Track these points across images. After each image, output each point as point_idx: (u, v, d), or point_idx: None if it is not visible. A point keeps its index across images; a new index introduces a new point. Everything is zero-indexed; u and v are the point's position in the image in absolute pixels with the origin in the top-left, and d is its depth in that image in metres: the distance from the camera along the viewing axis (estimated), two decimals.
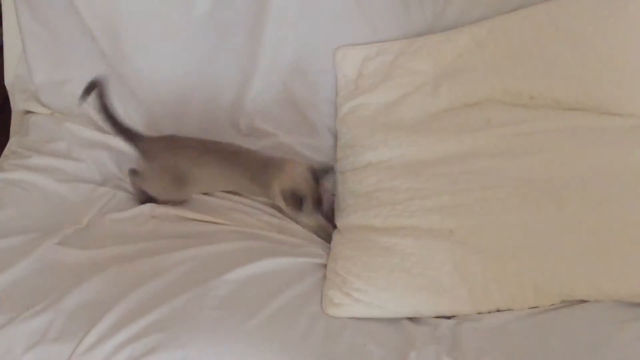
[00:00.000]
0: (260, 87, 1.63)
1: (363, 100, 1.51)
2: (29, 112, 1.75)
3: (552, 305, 1.18)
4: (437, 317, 1.21)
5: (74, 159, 1.62)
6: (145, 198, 1.53)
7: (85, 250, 1.37)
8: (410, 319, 1.21)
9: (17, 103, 1.76)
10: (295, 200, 1.34)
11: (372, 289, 1.21)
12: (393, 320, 1.21)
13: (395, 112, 1.47)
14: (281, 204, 1.39)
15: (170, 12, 1.56)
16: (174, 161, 1.47)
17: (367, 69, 1.53)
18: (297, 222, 1.45)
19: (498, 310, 1.19)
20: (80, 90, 1.69)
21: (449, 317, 1.21)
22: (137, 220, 1.48)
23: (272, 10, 1.53)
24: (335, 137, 1.56)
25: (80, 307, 1.23)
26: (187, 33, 1.59)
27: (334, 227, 1.41)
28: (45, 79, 1.73)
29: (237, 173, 1.46)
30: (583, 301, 1.17)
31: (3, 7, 1.73)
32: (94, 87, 1.49)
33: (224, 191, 1.54)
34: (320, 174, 1.39)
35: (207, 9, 1.56)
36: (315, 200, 1.37)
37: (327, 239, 1.40)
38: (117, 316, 1.19)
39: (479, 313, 1.20)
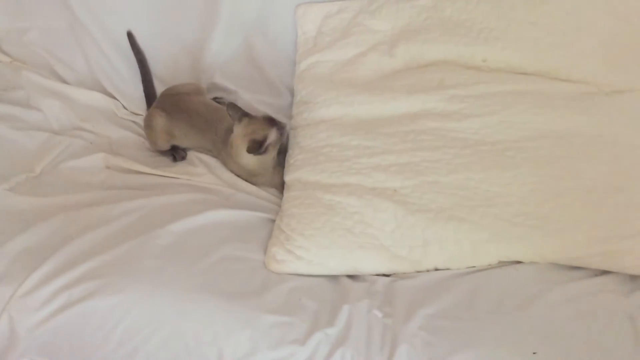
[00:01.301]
0: (220, 43, 1.62)
1: (320, 58, 1.49)
2: None
3: (488, 265, 1.19)
4: (376, 275, 1.22)
5: (31, 108, 1.61)
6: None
7: (35, 197, 1.38)
8: (350, 276, 1.23)
9: None
10: (255, 144, 1.34)
11: (314, 247, 1.22)
12: (332, 277, 1.22)
13: (350, 70, 1.45)
14: (242, 154, 1.39)
15: None
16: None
17: (326, 27, 1.52)
18: (261, 183, 1.45)
19: (436, 269, 1.21)
20: (40, 39, 1.69)
21: (388, 275, 1.23)
22: (91, 170, 1.48)
23: None
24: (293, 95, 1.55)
25: (24, 251, 1.24)
26: None
27: None
28: (6, 26, 1.72)
29: (205, 132, 1.49)
30: (519, 262, 1.18)
31: None
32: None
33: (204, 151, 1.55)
34: (280, 125, 1.39)
35: None
36: (275, 145, 1.39)
37: None
38: (58, 262, 1.20)
39: (418, 272, 1.21)
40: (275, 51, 1.59)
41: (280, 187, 1.42)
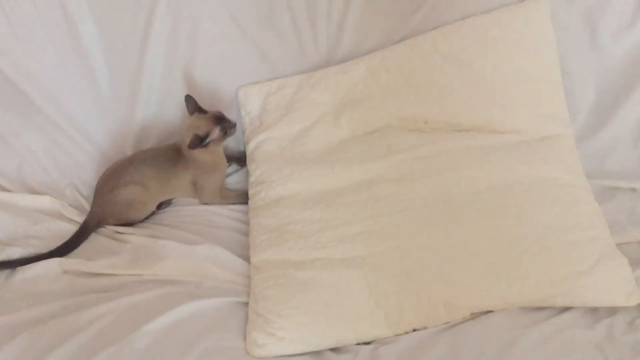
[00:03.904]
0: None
1: (268, 135, 1.54)
2: None
3: (462, 318, 1.25)
4: (358, 344, 1.25)
5: None
6: None
7: None
8: (333, 349, 1.25)
9: None
10: (196, 139, 1.45)
11: (294, 326, 1.24)
12: (316, 353, 1.24)
13: (300, 144, 1.51)
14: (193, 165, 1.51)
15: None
16: None
17: (269, 105, 1.57)
18: (211, 200, 1.56)
19: (414, 330, 1.25)
20: None
21: (369, 343, 1.26)
22: (48, 277, 1.43)
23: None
24: None
25: None
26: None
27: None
28: None
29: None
30: (490, 312, 1.25)
31: None
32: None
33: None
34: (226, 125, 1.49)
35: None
36: (217, 142, 1.49)
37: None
38: None
39: (397, 335, 1.25)
40: None
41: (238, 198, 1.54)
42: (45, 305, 1.34)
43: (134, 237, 1.52)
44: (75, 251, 1.51)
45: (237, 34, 1.55)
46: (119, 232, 1.56)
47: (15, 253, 1.50)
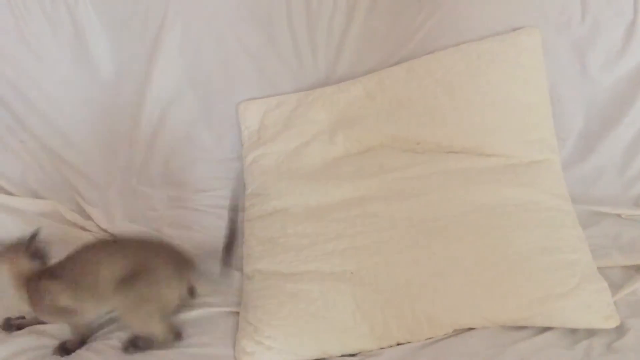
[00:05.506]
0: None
1: (265, 150, 1.59)
2: None
3: (445, 334, 1.28)
4: (343, 355, 1.29)
5: None
6: None
7: None
8: (319, 359, 1.29)
9: None
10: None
11: (282, 336, 1.28)
12: None
13: (296, 160, 1.55)
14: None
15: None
16: None
17: (268, 120, 1.61)
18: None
19: (398, 344, 1.29)
20: None
21: (354, 355, 1.30)
22: None
23: None
24: None
25: None
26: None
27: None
28: None
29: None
30: (472, 329, 1.28)
31: None
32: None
33: None
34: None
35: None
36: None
37: None
38: None
39: (382, 348, 1.29)
40: (221, 147, 1.67)
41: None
42: None
43: None
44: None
45: (239, 52, 1.60)
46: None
47: None
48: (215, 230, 1.49)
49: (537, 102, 1.49)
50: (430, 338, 1.28)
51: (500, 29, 1.51)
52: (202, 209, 1.63)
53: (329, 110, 1.58)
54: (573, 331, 1.26)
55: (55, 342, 1.32)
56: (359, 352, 1.30)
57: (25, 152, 1.70)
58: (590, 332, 1.25)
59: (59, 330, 1.35)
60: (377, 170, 1.47)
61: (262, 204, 1.51)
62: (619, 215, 1.53)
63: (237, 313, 1.38)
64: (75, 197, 1.70)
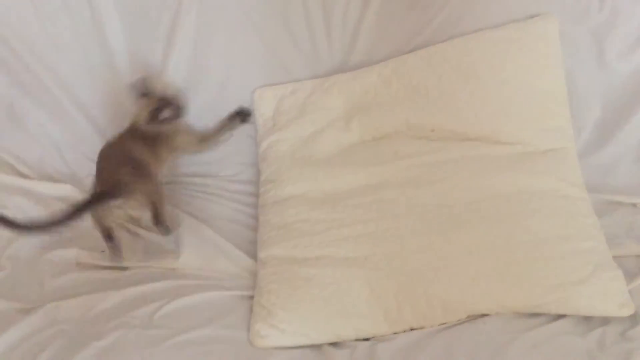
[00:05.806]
0: None
1: (280, 136, 1.59)
2: None
3: (458, 320, 1.29)
4: (356, 339, 1.30)
5: None
6: None
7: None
8: (332, 343, 1.30)
9: None
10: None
11: (296, 320, 1.29)
12: (316, 346, 1.29)
13: (310, 146, 1.56)
14: None
15: None
16: None
17: (283, 107, 1.62)
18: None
19: (412, 329, 1.30)
20: None
21: (368, 339, 1.30)
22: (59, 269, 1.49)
23: None
24: None
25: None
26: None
27: None
28: None
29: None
30: (485, 315, 1.29)
31: None
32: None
33: None
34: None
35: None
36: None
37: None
38: None
39: (395, 333, 1.29)
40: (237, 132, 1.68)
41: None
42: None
43: (144, 231, 1.58)
44: (91, 244, 1.55)
45: (255, 39, 1.61)
46: (131, 225, 1.61)
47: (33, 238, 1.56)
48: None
49: (554, 90, 1.48)
50: (443, 324, 1.29)
51: (517, 16, 1.50)
52: (219, 192, 1.65)
53: (344, 97, 1.58)
54: (587, 319, 1.26)
55: (68, 327, 1.33)
56: (372, 337, 1.30)
57: (44, 136, 1.71)
58: (604, 320, 1.25)
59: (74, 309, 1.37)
60: (392, 157, 1.47)
61: (276, 190, 1.52)
62: (634, 205, 1.52)
63: (252, 297, 1.39)
64: (92, 181, 1.71)
